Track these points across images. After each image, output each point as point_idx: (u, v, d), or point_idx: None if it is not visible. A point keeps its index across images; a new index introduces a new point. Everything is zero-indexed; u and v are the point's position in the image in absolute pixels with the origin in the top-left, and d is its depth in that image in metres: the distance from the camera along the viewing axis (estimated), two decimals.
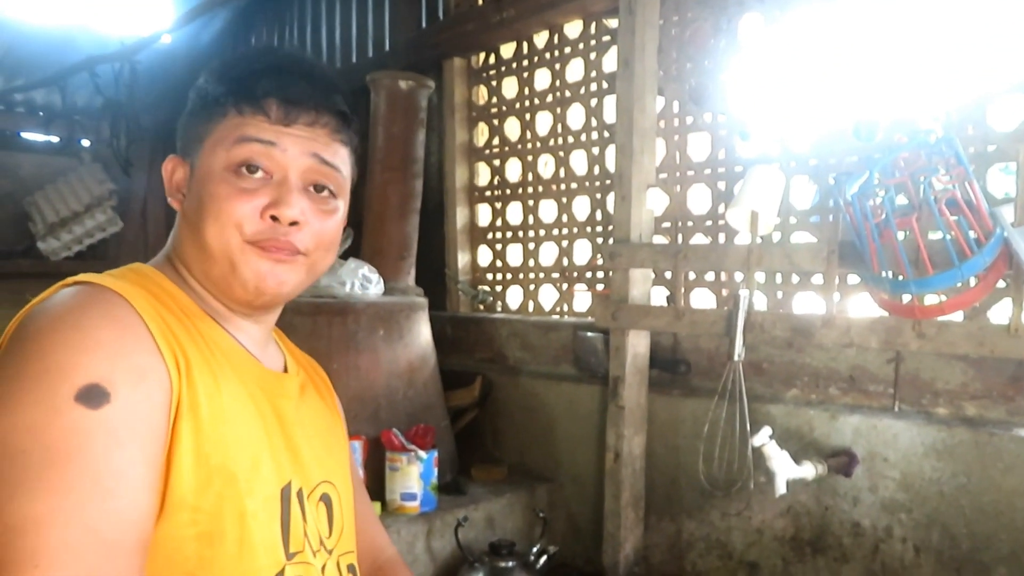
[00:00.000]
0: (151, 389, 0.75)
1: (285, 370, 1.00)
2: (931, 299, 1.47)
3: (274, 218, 0.85)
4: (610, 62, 2.28)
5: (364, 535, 1.12)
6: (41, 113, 3.99)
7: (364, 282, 2.17)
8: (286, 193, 0.86)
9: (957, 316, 1.50)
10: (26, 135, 4.03)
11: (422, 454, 1.90)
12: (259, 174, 0.86)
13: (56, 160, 3.99)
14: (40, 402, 0.70)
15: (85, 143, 4.10)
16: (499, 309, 2.67)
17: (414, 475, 1.89)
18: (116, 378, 0.73)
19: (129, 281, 0.83)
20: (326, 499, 0.97)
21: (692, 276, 2.04)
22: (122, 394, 0.72)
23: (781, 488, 1.58)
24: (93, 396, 0.71)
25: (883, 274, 1.43)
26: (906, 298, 1.46)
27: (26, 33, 3.68)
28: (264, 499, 0.84)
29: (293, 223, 0.86)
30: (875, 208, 1.41)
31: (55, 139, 4.06)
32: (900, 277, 1.40)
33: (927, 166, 1.35)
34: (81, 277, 0.82)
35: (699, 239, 2.06)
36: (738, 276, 1.95)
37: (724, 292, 2.01)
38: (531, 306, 2.55)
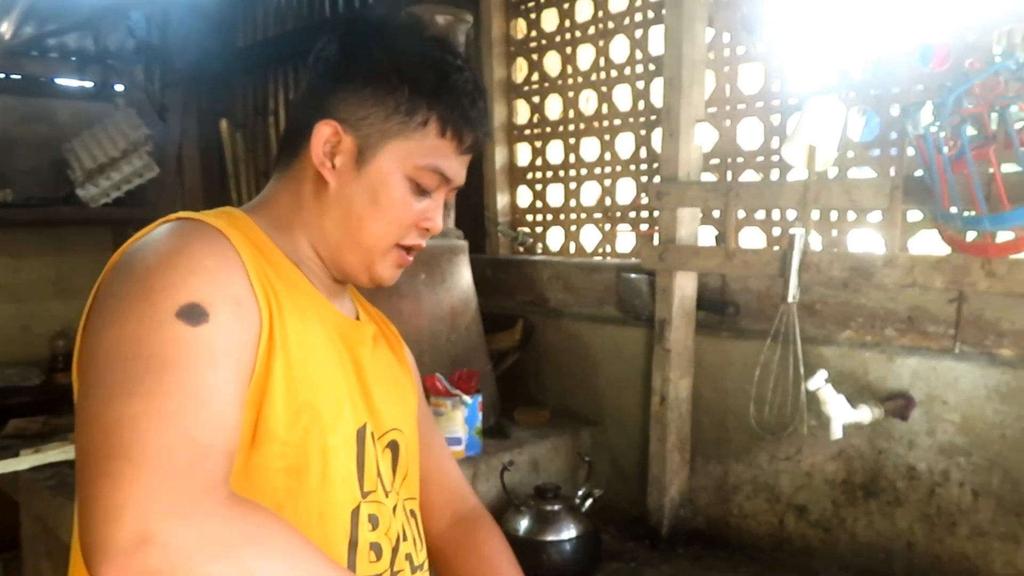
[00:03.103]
0: (245, 319, 0.79)
1: (357, 319, 1.03)
2: (1003, 236, 1.39)
3: (425, 228, 0.96)
4: None
5: (442, 485, 1.16)
6: (74, 58, 3.95)
7: None
8: (438, 211, 0.96)
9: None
10: (60, 81, 4.01)
11: (467, 399, 1.89)
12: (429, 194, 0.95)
13: (91, 106, 3.96)
14: (144, 316, 0.73)
15: (119, 88, 4.07)
16: (540, 251, 2.62)
17: (459, 420, 1.88)
18: (216, 301, 0.76)
19: (224, 221, 0.86)
20: (393, 446, 0.99)
21: (742, 215, 1.97)
22: (221, 317, 0.75)
23: (837, 432, 1.54)
24: (194, 314, 0.73)
25: (953, 210, 1.35)
26: (971, 235, 1.39)
27: None
28: (343, 437, 0.88)
29: None
30: (948, 139, 1.33)
31: (89, 84, 4.03)
32: (972, 213, 1.33)
33: (1006, 93, 1.26)
34: (181, 214, 0.86)
35: (749, 176, 1.97)
36: (791, 214, 1.88)
37: (775, 231, 1.94)
38: (572, 247, 2.50)
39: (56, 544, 1.94)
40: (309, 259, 0.94)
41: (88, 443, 0.67)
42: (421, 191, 0.93)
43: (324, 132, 0.90)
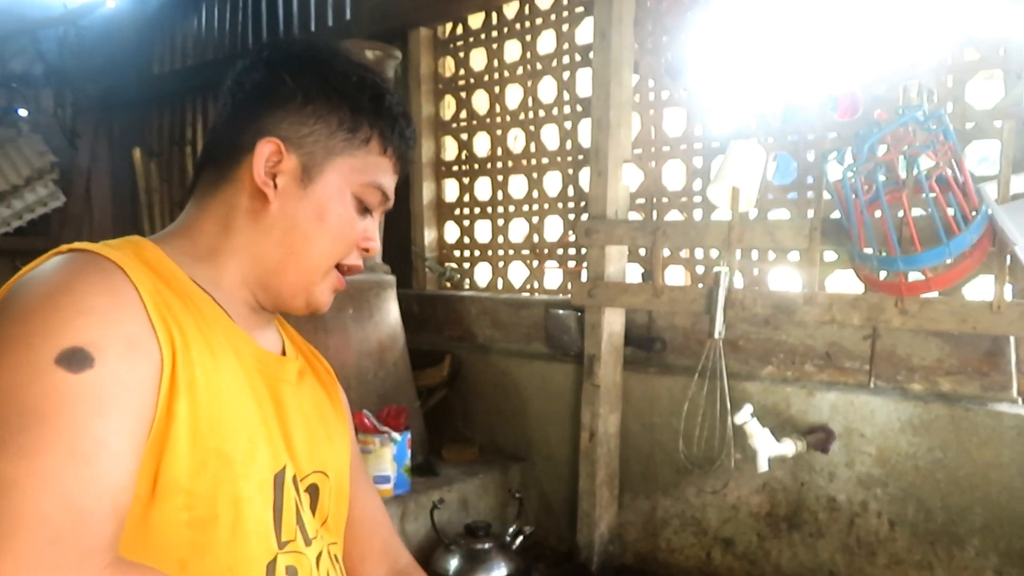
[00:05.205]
0: (140, 361, 0.73)
1: (283, 354, 0.97)
2: (915, 276, 1.47)
3: (365, 248, 0.95)
4: (583, 34, 2.23)
5: (377, 537, 1.10)
6: None
7: None
8: (374, 229, 0.95)
9: (932, 293, 1.51)
10: None
11: (396, 436, 1.86)
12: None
13: None
14: (20, 364, 0.68)
15: (22, 113, 3.89)
16: (467, 287, 2.62)
17: (387, 457, 1.84)
18: (104, 344, 0.70)
19: (126, 252, 0.80)
20: (312, 490, 0.94)
21: (666, 253, 2.02)
22: (109, 361, 0.70)
23: (763, 465, 1.57)
24: (76, 359, 0.68)
25: (868, 251, 1.42)
26: (883, 274, 1.46)
27: None
28: (258, 484, 0.81)
29: None
30: (863, 184, 1.40)
31: None
32: (886, 254, 1.40)
33: (914, 143, 1.34)
34: (76, 245, 0.79)
35: (674, 216, 2.03)
36: (714, 253, 1.94)
37: (698, 270, 2.00)
38: (500, 283, 2.51)
39: None
40: (233, 289, 0.89)
41: None
42: (364, 209, 0.92)
43: (266, 150, 0.86)
